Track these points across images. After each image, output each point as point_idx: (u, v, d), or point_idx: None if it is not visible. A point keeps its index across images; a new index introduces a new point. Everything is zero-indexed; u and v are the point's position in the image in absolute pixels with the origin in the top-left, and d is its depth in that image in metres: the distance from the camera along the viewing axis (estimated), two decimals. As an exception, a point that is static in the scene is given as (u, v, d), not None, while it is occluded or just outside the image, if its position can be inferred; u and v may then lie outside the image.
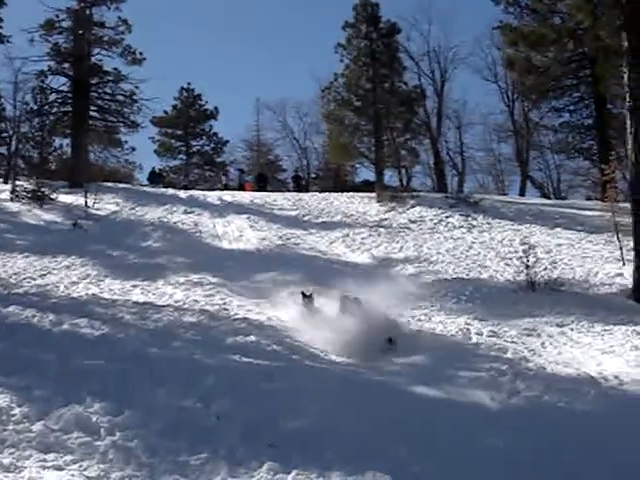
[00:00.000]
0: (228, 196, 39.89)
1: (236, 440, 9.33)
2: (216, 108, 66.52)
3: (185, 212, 32.98)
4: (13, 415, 9.62)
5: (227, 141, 67.93)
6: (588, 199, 48.38)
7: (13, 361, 11.68)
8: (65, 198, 34.06)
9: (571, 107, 48.49)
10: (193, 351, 13.16)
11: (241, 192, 44.63)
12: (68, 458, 8.60)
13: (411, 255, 26.41)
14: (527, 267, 21.37)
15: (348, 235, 29.51)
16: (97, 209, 32.52)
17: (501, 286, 21.95)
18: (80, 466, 8.42)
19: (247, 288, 20.26)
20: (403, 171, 55.59)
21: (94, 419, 9.61)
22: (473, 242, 28.48)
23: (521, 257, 22.07)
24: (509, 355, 14.50)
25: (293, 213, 34.49)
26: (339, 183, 56.29)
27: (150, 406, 10.21)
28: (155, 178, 52.81)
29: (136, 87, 46.60)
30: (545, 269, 22.17)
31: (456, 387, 12.48)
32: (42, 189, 32.82)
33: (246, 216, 32.57)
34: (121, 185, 42.26)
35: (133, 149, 50.36)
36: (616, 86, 29.56)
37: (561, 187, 61.70)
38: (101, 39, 46.10)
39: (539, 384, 12.68)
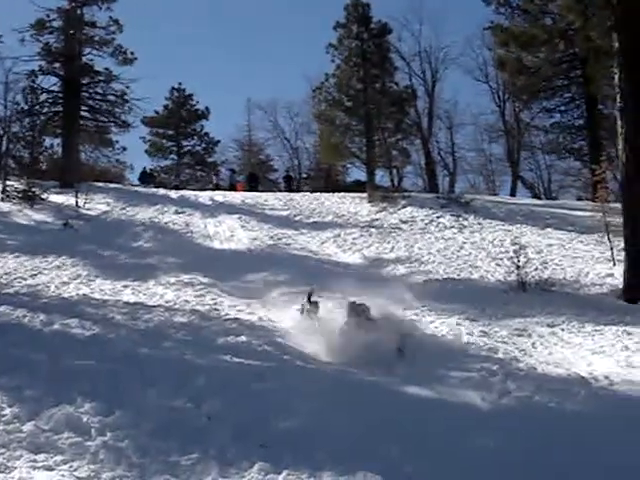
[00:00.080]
0: (219, 196, 39.93)
1: (227, 440, 9.32)
2: (207, 108, 66.62)
3: (176, 212, 32.98)
4: (3, 415, 9.60)
5: (218, 141, 68.03)
6: (579, 199, 48.48)
7: (3, 361, 11.65)
8: (56, 198, 34.06)
9: (562, 107, 48.58)
10: (184, 351, 13.15)
11: (232, 192, 44.66)
12: (58, 458, 8.58)
13: (402, 255, 26.44)
14: (518, 267, 21.39)
15: (339, 235, 29.54)
16: (88, 209, 32.51)
17: (492, 286, 21.98)
18: (70, 466, 8.40)
19: (238, 288, 20.26)
20: (394, 171, 55.62)
21: (85, 419, 9.59)
22: (464, 242, 28.52)
23: (512, 257, 22.07)
24: (500, 355, 14.51)
25: (284, 213, 34.52)
26: (330, 183, 56.39)
27: (141, 406, 10.20)
28: (146, 178, 52.81)
29: (127, 87, 46.65)
30: (536, 269, 22.22)
31: (447, 387, 12.48)
32: (33, 189, 32.79)
33: (237, 216, 32.58)
34: (112, 185, 42.27)
35: (124, 149, 50.31)
36: (607, 87, 29.61)
37: (552, 187, 61.89)
38: (92, 39, 46.09)
39: (530, 384, 12.68)
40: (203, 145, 67.45)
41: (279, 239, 28.62)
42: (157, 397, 10.63)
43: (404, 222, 32.37)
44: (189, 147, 67.26)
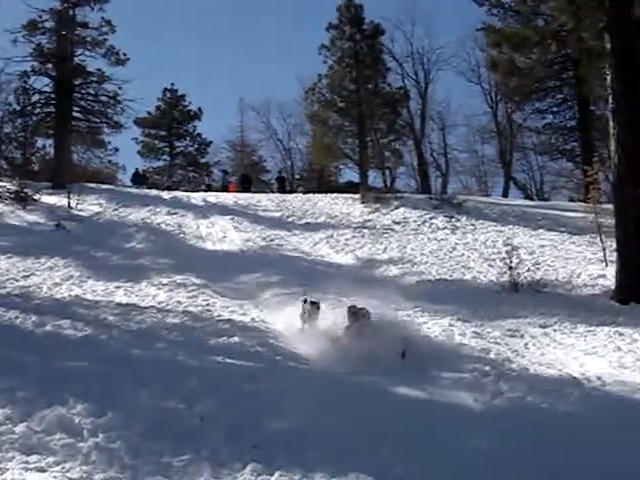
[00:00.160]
0: (212, 197, 39.97)
1: (219, 441, 9.30)
2: (200, 109, 66.69)
3: (169, 213, 32.99)
4: (-5, 417, 9.60)
5: (211, 142, 68.08)
6: (571, 200, 48.56)
7: (-5, 363, 11.65)
8: (48, 199, 34.05)
9: (554, 109, 48.69)
10: (176, 352, 13.14)
11: (225, 193, 44.64)
12: (51, 459, 8.55)
13: (395, 256, 26.48)
14: (510, 268, 21.42)
15: (332, 236, 29.57)
16: (80, 210, 32.50)
17: (484, 287, 22.01)
18: (63, 468, 8.38)
19: (231, 289, 20.28)
20: (387, 172, 55.84)
21: (77, 420, 9.57)
22: (457, 243, 28.58)
23: (504, 258, 22.12)
24: (492, 356, 14.50)
25: (277, 214, 34.55)
26: (323, 184, 56.38)
27: (133, 407, 10.18)
28: (138, 179, 52.76)
29: (119, 88, 46.74)
30: (528, 270, 22.23)
31: (439, 388, 12.46)
32: (25, 190, 32.76)
33: (230, 217, 32.61)
34: (104, 186, 42.26)
35: (116, 150, 50.43)
36: (599, 88, 29.60)
37: (544, 188, 62.05)
38: (84, 40, 46.11)
39: (522, 385, 12.67)
40: (195, 146, 67.48)
41: (272, 240, 28.63)
42: (149, 398, 10.61)
43: (397, 223, 32.42)
44: (181, 148, 67.29)
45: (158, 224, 31.07)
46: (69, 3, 45.31)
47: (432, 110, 63.51)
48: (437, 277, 23.40)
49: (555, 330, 17.02)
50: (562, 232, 30.10)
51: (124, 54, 46.47)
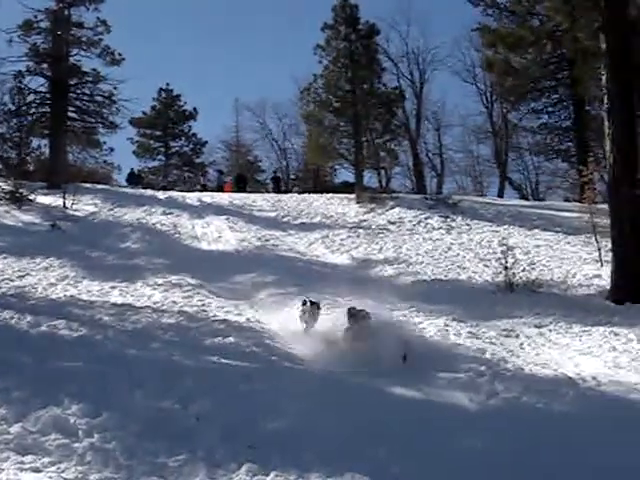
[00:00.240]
0: (207, 197, 39.92)
1: (215, 441, 9.30)
2: (195, 109, 66.60)
3: (164, 213, 32.93)
4: (-9, 417, 9.59)
5: (206, 142, 67.96)
6: (566, 200, 48.56)
7: (-9, 363, 11.63)
8: (43, 199, 33.98)
9: (550, 109, 48.70)
10: (172, 352, 13.14)
11: (220, 193, 44.60)
12: (46, 460, 8.55)
13: (390, 256, 26.49)
14: (505, 268, 21.44)
15: (327, 236, 29.56)
16: (75, 210, 32.47)
17: (480, 287, 22.03)
18: (58, 468, 8.37)
19: (226, 289, 20.28)
20: (382, 172, 55.80)
21: (72, 421, 9.57)
22: (452, 243, 28.59)
23: (499, 258, 22.15)
24: (488, 356, 14.51)
25: (272, 214, 34.52)
26: (319, 184, 56.38)
27: (128, 407, 10.18)
28: (134, 179, 52.66)
29: (115, 88, 46.48)
30: (523, 270, 22.28)
31: (435, 388, 12.47)
32: (20, 190, 32.69)
33: (225, 217, 32.59)
34: (100, 186, 42.16)
35: (112, 150, 50.20)
36: (594, 88, 29.63)
37: (539, 188, 62.02)
38: (80, 40, 45.99)
39: (517, 385, 12.68)
40: (191, 146, 67.39)
41: (267, 240, 28.62)
42: (145, 398, 10.61)
43: (392, 223, 32.42)
44: (177, 148, 67.19)
45: (153, 224, 31.04)
46: (64, 3, 45.22)
47: (427, 110, 63.51)
48: (432, 277, 23.42)
49: (550, 330, 17.05)
50: (557, 232, 30.14)
51: (119, 54, 46.43)
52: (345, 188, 47.41)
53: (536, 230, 30.61)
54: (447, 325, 16.77)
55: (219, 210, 34.83)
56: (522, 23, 35.34)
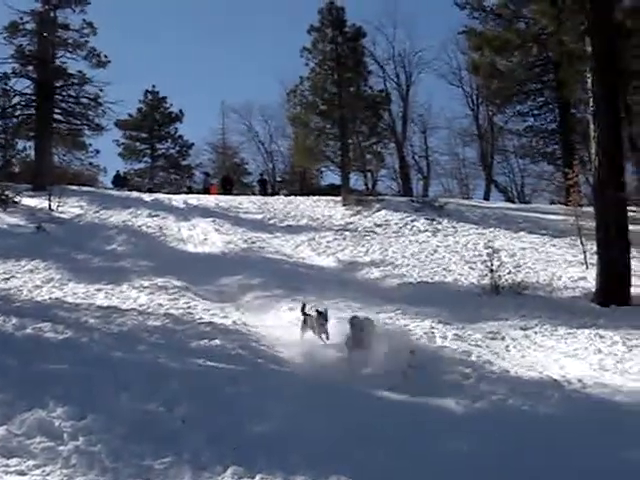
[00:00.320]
0: (193, 199, 39.93)
1: (201, 444, 9.28)
2: (181, 111, 66.60)
3: (150, 215, 32.93)
4: (-25, 420, 9.55)
5: (192, 144, 67.97)
6: (552, 203, 48.74)
7: (-25, 366, 11.59)
8: (29, 201, 33.97)
9: (535, 111, 48.83)
10: (157, 355, 13.10)
11: (206, 195, 44.60)
12: (31, 463, 8.52)
13: (376, 259, 26.55)
14: (491, 271, 21.50)
15: (314, 239, 29.59)
16: (61, 212, 32.45)
17: (465, 290, 22.08)
18: (43, 471, 8.34)
19: (212, 292, 20.29)
20: (369, 175, 56.00)
21: (57, 424, 9.53)
22: (438, 246, 28.64)
23: (485, 261, 22.19)
24: (473, 358, 14.48)
25: (258, 216, 34.55)
26: (305, 186, 56.42)
27: (114, 410, 10.14)
28: (119, 181, 52.65)
29: (101, 90, 46.54)
30: (509, 273, 22.36)
31: (422, 391, 12.43)
32: (5, 192, 32.69)
33: (211, 219, 32.60)
34: (85, 188, 42.20)
35: (97, 152, 50.22)
36: (580, 91, 29.70)
37: (525, 191, 62.27)
38: (66, 42, 45.99)
39: (503, 387, 12.65)
40: (177, 148, 67.37)
41: (253, 242, 28.63)
42: (130, 401, 10.57)
43: (378, 225, 32.48)
44: (163, 150, 67.17)
45: (139, 226, 31.03)
46: (50, 5, 45.22)
47: (414, 113, 63.71)
48: (418, 280, 23.46)
49: (536, 332, 17.06)
50: (543, 235, 30.23)
51: (105, 56, 46.52)
52: (331, 190, 47.45)
53: (522, 233, 30.71)
54: (433, 328, 16.74)
55: (205, 212, 34.85)
56: (508, 26, 35.36)
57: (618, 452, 9.78)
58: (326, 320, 14.48)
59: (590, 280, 21.96)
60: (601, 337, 16.44)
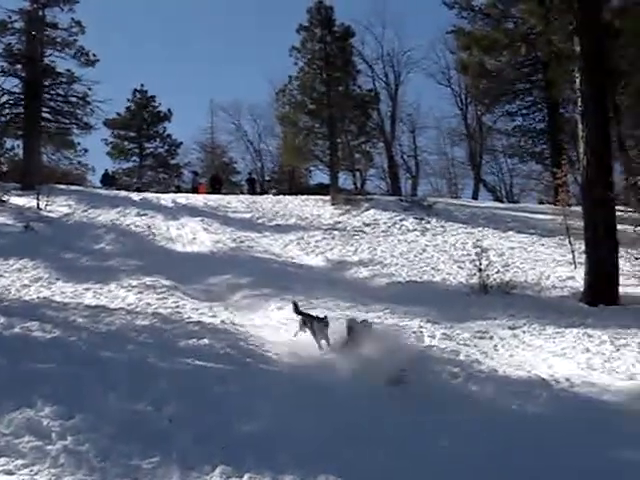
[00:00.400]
0: (182, 199, 39.87)
1: (189, 444, 9.27)
2: (169, 110, 66.55)
3: (138, 214, 32.86)
4: (-37, 419, 9.52)
5: (181, 143, 67.98)
6: (540, 203, 48.83)
7: (-37, 365, 11.55)
8: (17, 200, 33.85)
9: (524, 111, 49.02)
10: (146, 354, 13.05)
11: (195, 194, 44.56)
12: (19, 462, 8.50)
13: (365, 258, 26.54)
14: (480, 270, 21.51)
15: (302, 238, 29.57)
16: (49, 211, 32.33)
17: (454, 289, 22.10)
18: (31, 470, 8.33)
19: (201, 291, 20.25)
20: (357, 174, 56.07)
21: (45, 423, 9.51)
22: (426, 245, 28.66)
23: (474, 260, 22.22)
24: (462, 357, 14.49)
25: (247, 216, 34.51)
26: (294, 186, 56.43)
27: (102, 410, 10.11)
28: (108, 180, 52.53)
29: (89, 89, 46.39)
30: (497, 272, 22.37)
31: (410, 391, 12.41)
32: (-7, 191, 32.54)
33: (200, 219, 32.55)
34: (73, 187, 42.08)
35: (86, 151, 50.15)
36: (568, 90, 29.81)
37: (513, 191, 62.47)
38: (54, 40, 45.84)
39: (491, 387, 12.69)
40: (165, 147, 67.34)
41: (242, 242, 28.59)
42: (118, 400, 10.54)
43: (367, 225, 32.48)
44: (151, 149, 67.13)
45: (127, 225, 30.96)
46: (39, 4, 45.06)
47: (402, 112, 63.76)
48: (407, 279, 23.46)
49: (524, 332, 17.06)
50: (531, 234, 30.28)
51: (94, 55, 46.41)
52: (320, 190, 47.49)
53: (510, 232, 30.75)
54: (421, 327, 16.75)
55: (194, 211, 34.81)
56: (497, 26, 35.56)
57: (606, 451, 9.82)
58: (326, 326, 14.36)
59: (578, 279, 21.99)
60: (589, 336, 16.46)
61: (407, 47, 65.16)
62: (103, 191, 44.61)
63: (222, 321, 16.65)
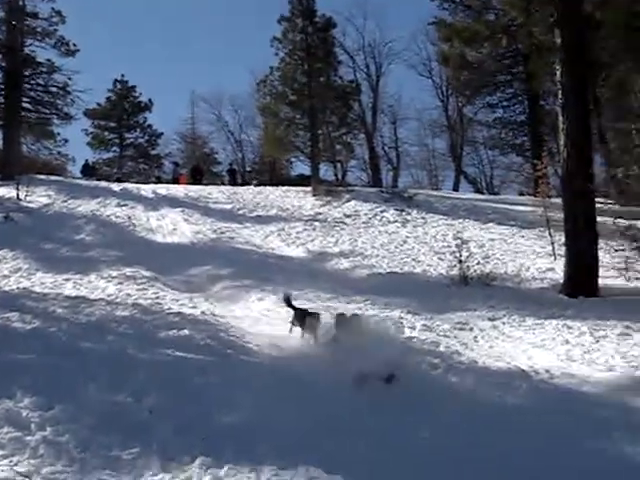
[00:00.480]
0: (162, 189, 39.80)
1: (169, 435, 9.25)
2: (150, 100, 66.45)
3: (118, 205, 32.79)
4: (-59, 411, 9.48)
5: (161, 133, 67.92)
6: (520, 194, 49.03)
7: (-59, 356, 11.50)
8: (-4, 190, 33.68)
9: (504, 103, 49.22)
10: (126, 345, 13.01)
11: (175, 185, 44.49)
12: (-2, 453, 8.49)
13: (346, 249, 26.58)
14: (460, 262, 21.58)
15: (283, 229, 29.60)
16: (29, 202, 32.21)
17: (434, 280, 22.15)
18: (10, 461, 8.29)
19: (181, 282, 20.24)
20: (338, 165, 56.14)
21: (24, 414, 9.47)
22: (407, 236, 28.72)
23: (454, 252, 22.27)
24: (442, 349, 14.51)
25: (228, 207, 34.49)
26: (275, 177, 56.43)
27: (82, 401, 10.08)
28: (88, 171, 52.43)
29: (69, 79, 46.23)
30: (478, 264, 22.44)
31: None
32: (-27, 182, 32.42)
33: (180, 209, 32.51)
34: (53, 178, 41.87)
35: (66, 141, 49.96)
36: (549, 83, 29.87)
37: (494, 182, 62.70)
38: (34, 30, 45.62)
39: (471, 378, 12.71)
40: (146, 138, 67.22)
41: (222, 233, 28.57)
42: (98, 391, 10.51)
43: (348, 216, 32.53)
44: (132, 139, 67.00)
45: (108, 216, 30.90)
46: (19, -7, 44.89)
47: (383, 104, 63.88)
48: (388, 270, 23.50)
49: (504, 323, 17.10)
50: (511, 226, 30.41)
51: (74, 45, 46.20)
52: (301, 181, 47.54)
53: (490, 224, 30.86)
54: (402, 318, 16.79)
55: (174, 202, 34.75)
56: (478, 17, 35.43)
57: (585, 442, 9.86)
58: (318, 322, 14.19)
59: (558, 271, 22.08)
60: (569, 328, 16.51)
61: (388, 38, 65.63)
62: (83, 181, 44.54)
63: (202, 312, 16.63)
